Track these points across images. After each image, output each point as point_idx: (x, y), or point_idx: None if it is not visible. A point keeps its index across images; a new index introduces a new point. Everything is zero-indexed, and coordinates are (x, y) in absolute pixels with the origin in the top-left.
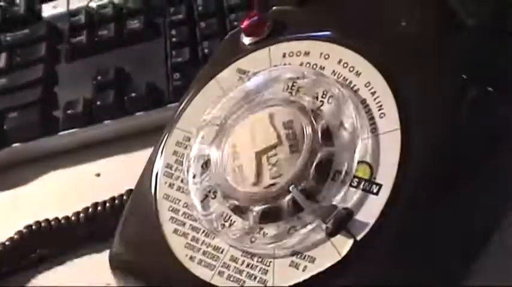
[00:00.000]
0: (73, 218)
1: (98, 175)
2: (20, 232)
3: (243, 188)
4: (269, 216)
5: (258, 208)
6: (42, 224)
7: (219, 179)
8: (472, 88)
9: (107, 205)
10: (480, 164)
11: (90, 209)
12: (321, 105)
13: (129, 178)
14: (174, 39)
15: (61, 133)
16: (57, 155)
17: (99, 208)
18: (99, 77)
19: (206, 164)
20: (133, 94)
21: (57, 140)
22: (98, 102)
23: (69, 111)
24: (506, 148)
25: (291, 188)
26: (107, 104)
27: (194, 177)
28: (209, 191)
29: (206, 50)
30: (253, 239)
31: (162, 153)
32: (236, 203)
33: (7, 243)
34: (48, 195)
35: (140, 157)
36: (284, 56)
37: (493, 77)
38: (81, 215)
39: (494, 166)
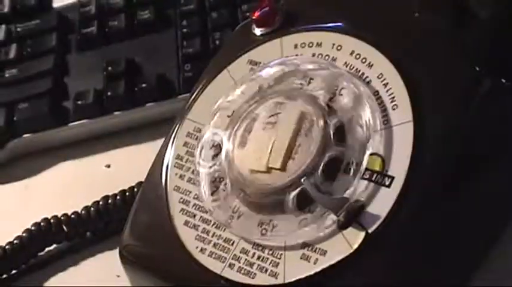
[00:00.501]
0: (83, 212)
1: (108, 166)
2: (28, 230)
3: (254, 179)
4: (280, 208)
5: (269, 200)
6: (52, 220)
7: (229, 168)
8: (485, 80)
9: (117, 198)
10: (494, 156)
11: (100, 203)
12: (333, 97)
13: (139, 169)
14: (185, 30)
15: (71, 124)
16: (67, 146)
17: (109, 201)
18: (109, 68)
19: (217, 155)
20: (143, 85)
21: (67, 131)
22: (109, 93)
23: (79, 102)
24: None
25: (302, 180)
26: (118, 95)
27: (203, 161)
28: (219, 181)
29: (217, 41)
30: (264, 232)
31: (172, 144)
32: (247, 193)
33: (15, 242)
34: (58, 186)
35: (151, 148)
36: (296, 47)
37: (507, 68)
38: (92, 209)
39: (508, 158)
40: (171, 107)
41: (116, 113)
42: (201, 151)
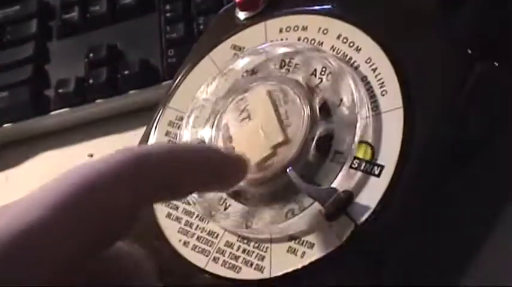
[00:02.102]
0: None
1: (91, 155)
2: None
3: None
4: (266, 199)
5: (254, 191)
6: None
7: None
8: (477, 63)
9: None
10: (487, 141)
11: None
12: (320, 82)
13: None
14: (168, 15)
15: (52, 113)
16: (48, 136)
17: None
18: (91, 55)
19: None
20: (126, 72)
21: (48, 120)
22: (90, 81)
23: (60, 90)
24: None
25: (288, 169)
26: (100, 83)
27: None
28: None
29: (201, 26)
30: (249, 224)
31: (154, 133)
32: None
33: None
34: (40, 176)
35: (134, 136)
36: (281, 31)
37: (498, 50)
38: None
39: (503, 144)
40: (154, 94)
41: (98, 101)
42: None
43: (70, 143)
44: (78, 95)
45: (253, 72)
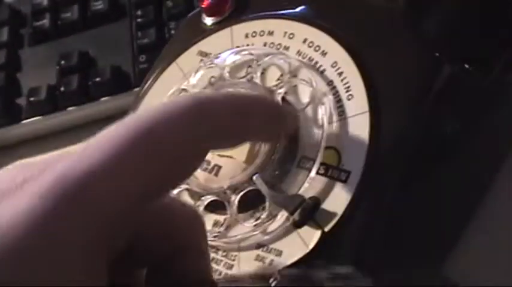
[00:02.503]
0: None
1: None
2: None
3: (202, 179)
4: (233, 207)
5: (222, 199)
6: None
7: None
8: (446, 66)
9: None
10: (456, 144)
11: None
12: (285, 87)
13: None
14: (139, 20)
15: (24, 121)
16: (20, 145)
17: None
18: (62, 62)
19: None
20: (98, 79)
21: (20, 129)
22: (62, 89)
23: (32, 99)
24: (483, 126)
25: (254, 177)
26: (71, 90)
27: None
28: None
29: (173, 31)
30: (217, 232)
31: None
32: (196, 190)
33: None
34: None
35: None
36: (247, 36)
37: (468, 53)
38: None
39: (471, 146)
40: (127, 100)
41: (70, 108)
42: None
43: (43, 152)
44: (50, 103)
45: (220, 75)
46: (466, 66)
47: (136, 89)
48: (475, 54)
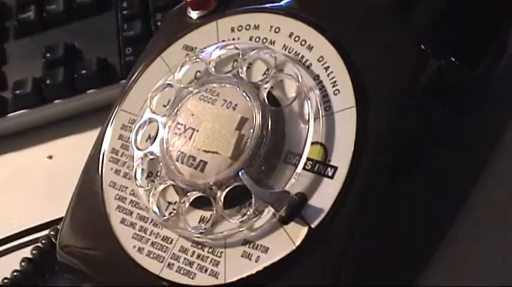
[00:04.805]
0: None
1: (50, 157)
2: None
3: (188, 175)
4: (220, 203)
5: (208, 195)
6: None
7: (163, 158)
8: (432, 60)
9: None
10: (443, 138)
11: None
12: (271, 81)
13: (82, 159)
14: (125, 12)
15: (10, 115)
16: (6, 138)
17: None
18: (48, 55)
19: (154, 138)
20: (84, 71)
21: (6, 122)
22: (48, 81)
23: (18, 92)
24: (470, 121)
25: (240, 173)
26: (57, 83)
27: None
28: (156, 175)
29: (159, 23)
30: (203, 229)
31: (107, 137)
32: (182, 186)
33: None
34: None
35: (94, 136)
36: (232, 30)
37: (455, 47)
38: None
39: (458, 141)
40: (113, 93)
41: (56, 101)
42: (135, 138)
43: (28, 145)
44: (36, 96)
45: (206, 70)
46: (453, 59)
47: (123, 82)
48: (461, 48)
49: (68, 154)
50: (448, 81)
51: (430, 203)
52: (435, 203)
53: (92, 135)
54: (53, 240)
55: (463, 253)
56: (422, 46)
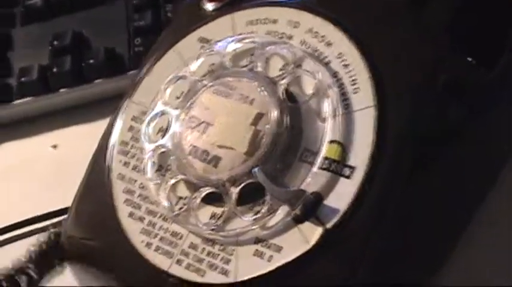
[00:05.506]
0: None
1: (55, 146)
2: None
3: (201, 169)
4: (233, 200)
5: (221, 191)
6: None
7: (175, 152)
8: (452, 59)
9: None
10: (462, 140)
11: None
12: (288, 77)
13: (87, 150)
14: (135, 2)
15: (15, 102)
16: (10, 126)
17: None
18: (55, 42)
19: (166, 131)
20: (91, 61)
21: (10, 110)
22: (54, 69)
23: (23, 79)
24: (486, 121)
25: (255, 170)
26: (64, 71)
27: (149, 142)
28: (166, 169)
29: (169, 14)
30: (214, 225)
31: (117, 129)
32: (193, 181)
33: None
34: (1, 168)
35: (99, 127)
36: (249, 23)
37: (473, 46)
38: None
39: (474, 140)
40: (120, 83)
41: (62, 90)
42: (146, 130)
43: (33, 134)
44: (42, 84)
45: (222, 63)
46: (470, 59)
47: (131, 73)
48: (478, 48)
49: (72, 144)
50: (466, 80)
51: (446, 204)
52: (452, 203)
53: (98, 125)
54: None
55: (479, 254)
56: (441, 45)
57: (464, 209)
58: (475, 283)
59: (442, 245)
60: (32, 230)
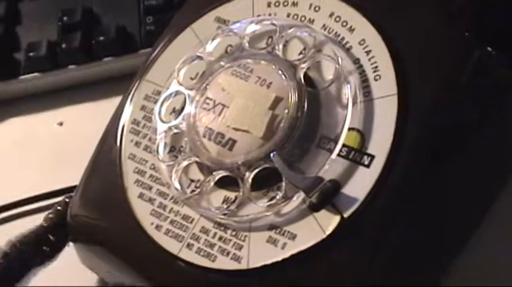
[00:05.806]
0: None
1: (61, 123)
2: None
3: (215, 152)
4: (247, 185)
5: (235, 175)
6: None
7: (189, 134)
8: (475, 48)
9: None
10: (482, 129)
11: None
12: (308, 62)
13: (94, 128)
14: None
15: (22, 77)
16: (17, 101)
17: None
18: (65, 18)
19: (179, 111)
20: (101, 38)
21: (17, 85)
22: (63, 45)
23: (31, 54)
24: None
25: (272, 155)
26: (73, 48)
27: (162, 122)
28: (179, 151)
29: None
30: (227, 210)
31: (129, 107)
32: (207, 164)
33: None
34: (6, 144)
35: (107, 105)
36: (269, 5)
37: (496, 36)
38: None
39: (496, 134)
40: (131, 62)
41: (71, 67)
42: (160, 110)
43: (39, 110)
44: (50, 60)
45: (240, 44)
46: (493, 52)
47: (142, 52)
48: (505, 42)
49: (79, 122)
50: (491, 73)
51: (462, 198)
52: (467, 197)
53: (106, 104)
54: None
55: (490, 253)
56: (468, 35)
57: (477, 206)
58: (486, 284)
59: (456, 239)
60: (35, 208)
